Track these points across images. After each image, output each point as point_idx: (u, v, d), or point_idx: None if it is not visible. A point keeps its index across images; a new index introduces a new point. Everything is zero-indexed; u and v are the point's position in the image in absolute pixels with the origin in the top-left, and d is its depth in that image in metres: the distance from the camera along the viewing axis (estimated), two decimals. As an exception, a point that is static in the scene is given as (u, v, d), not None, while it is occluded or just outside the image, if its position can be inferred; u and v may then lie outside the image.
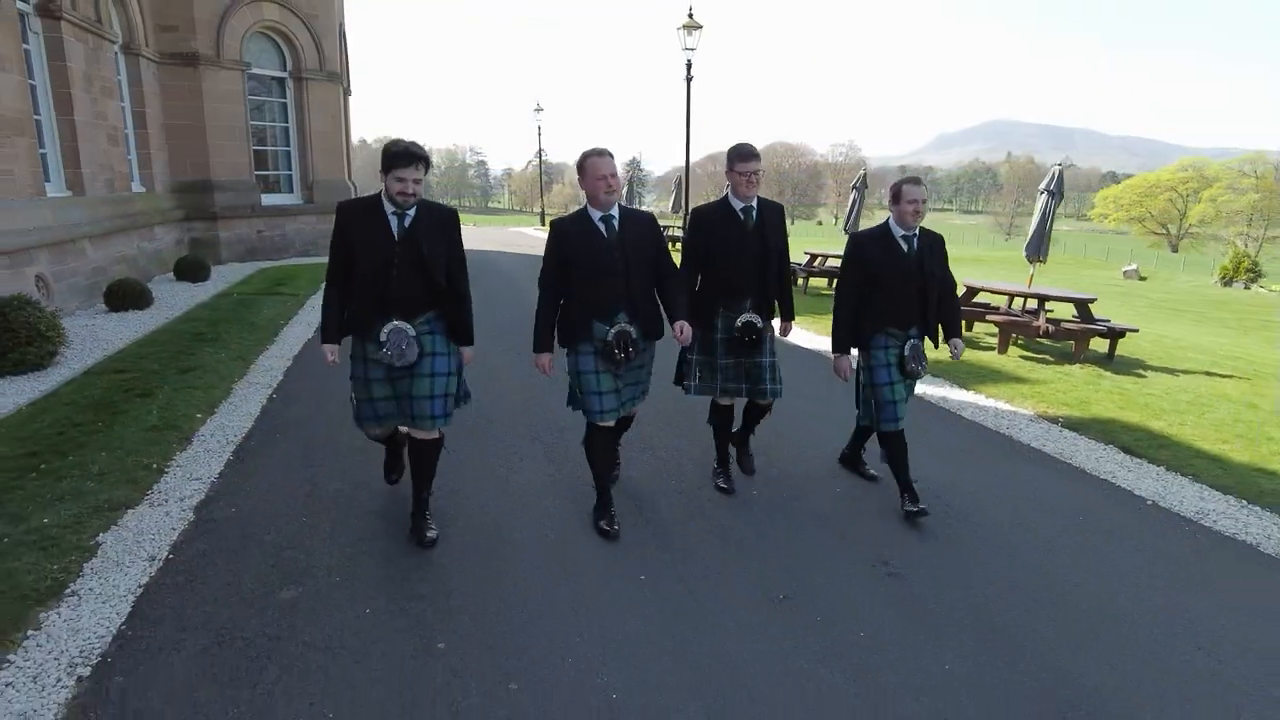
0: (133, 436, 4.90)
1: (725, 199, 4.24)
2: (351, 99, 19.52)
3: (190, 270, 11.93)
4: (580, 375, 3.80)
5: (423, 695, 2.61)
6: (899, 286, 4.12)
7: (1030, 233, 9.36)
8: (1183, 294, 29.22)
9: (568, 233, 3.76)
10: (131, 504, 3.98)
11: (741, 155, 4.10)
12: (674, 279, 3.93)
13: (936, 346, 4.35)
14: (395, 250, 3.39)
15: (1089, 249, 60.06)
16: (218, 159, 14.62)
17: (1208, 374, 8.35)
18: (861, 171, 14.99)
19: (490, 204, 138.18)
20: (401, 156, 3.30)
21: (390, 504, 4.14)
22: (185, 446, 4.85)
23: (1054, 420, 6.09)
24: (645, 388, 4.10)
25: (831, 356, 4.35)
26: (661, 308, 3.90)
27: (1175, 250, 78.46)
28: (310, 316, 9.27)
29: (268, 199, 15.77)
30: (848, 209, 13.77)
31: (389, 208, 3.41)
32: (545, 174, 48.70)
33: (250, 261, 14.89)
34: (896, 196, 4.08)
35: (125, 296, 9.18)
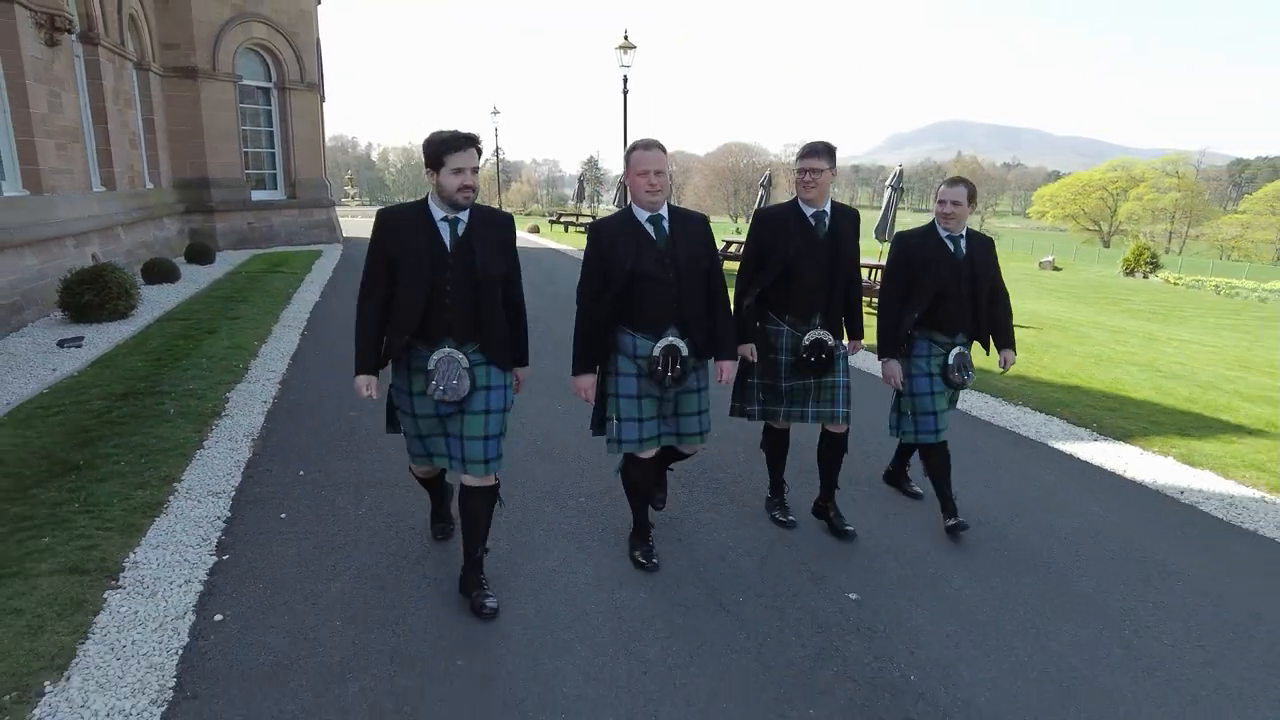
0: (219, 352, 7.24)
1: (794, 202, 3.75)
2: (324, 104, 21.61)
3: (199, 255, 14.07)
4: (619, 399, 3.31)
5: None
6: (947, 290, 3.88)
7: (878, 220, 12.05)
8: (1080, 282, 32.51)
9: (611, 236, 3.27)
10: (237, 381, 6.35)
11: (802, 151, 3.64)
12: (724, 305, 3.49)
13: (988, 353, 4.15)
14: (448, 264, 2.87)
15: (1035, 245, 63.32)
16: (214, 160, 16.71)
17: (1021, 327, 11.06)
18: (898, 167, 13.26)
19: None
20: (454, 141, 2.79)
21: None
22: (255, 358, 7.20)
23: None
24: (706, 421, 3.52)
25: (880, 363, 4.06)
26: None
27: (1107, 245, 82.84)
28: (311, 290, 11.55)
29: (257, 195, 17.90)
30: (881, 208, 12.65)
31: (439, 213, 2.89)
32: (503, 172, 50.70)
33: (243, 249, 16.99)
34: (936, 197, 3.95)
35: (159, 272, 11.37)
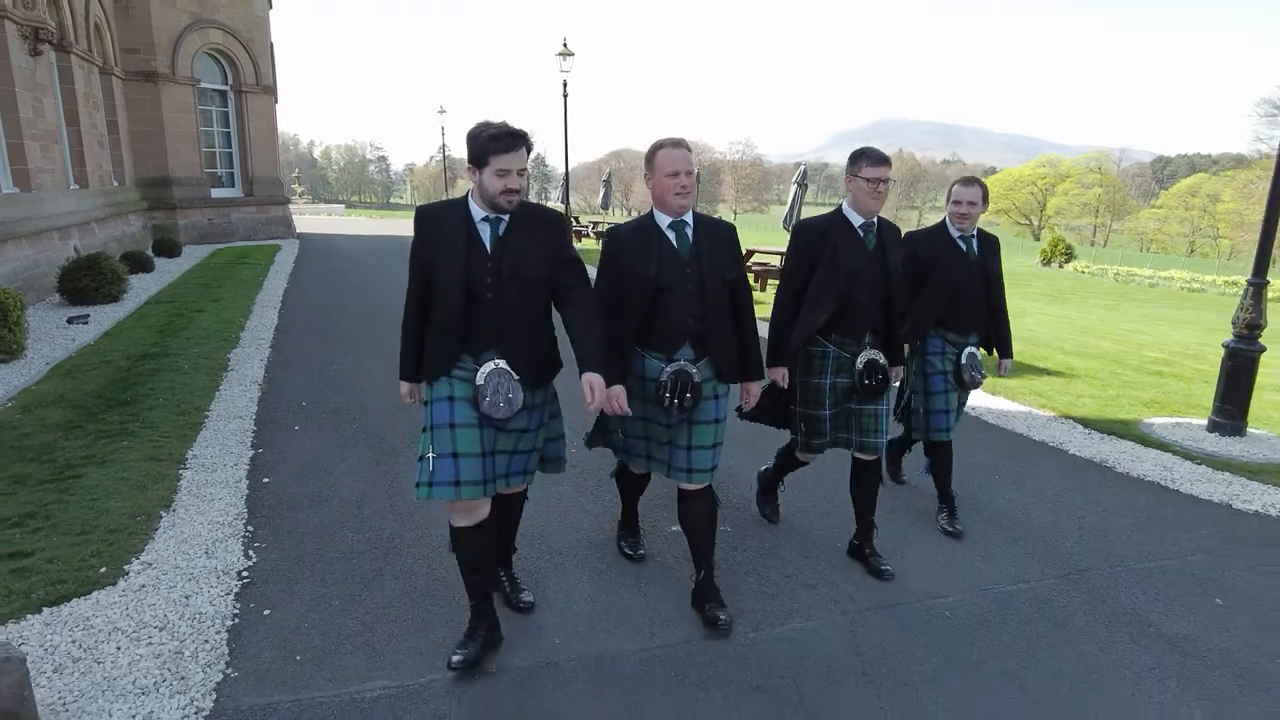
0: (212, 325, 8.44)
1: (840, 212, 3.48)
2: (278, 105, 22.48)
3: (166, 248, 15.01)
4: (622, 419, 3.11)
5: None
6: (960, 290, 3.91)
7: (786, 212, 13.72)
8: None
9: (630, 243, 3.01)
10: (233, 346, 7.58)
11: (871, 159, 3.35)
12: (752, 322, 3.21)
13: (991, 354, 4.19)
14: (488, 268, 2.65)
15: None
16: (175, 159, 17.58)
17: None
18: (802, 167, 16.03)
19: (392, 199, 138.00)
20: (503, 139, 2.55)
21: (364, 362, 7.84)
22: (244, 330, 8.41)
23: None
24: (719, 456, 3.16)
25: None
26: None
27: (1038, 238, 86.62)
28: (278, 278, 12.68)
29: (216, 192, 18.80)
30: (788, 205, 14.74)
31: (479, 212, 2.67)
32: (449, 169, 51.49)
33: (205, 244, 17.87)
34: (949, 197, 3.92)
35: (136, 263, 12.38)
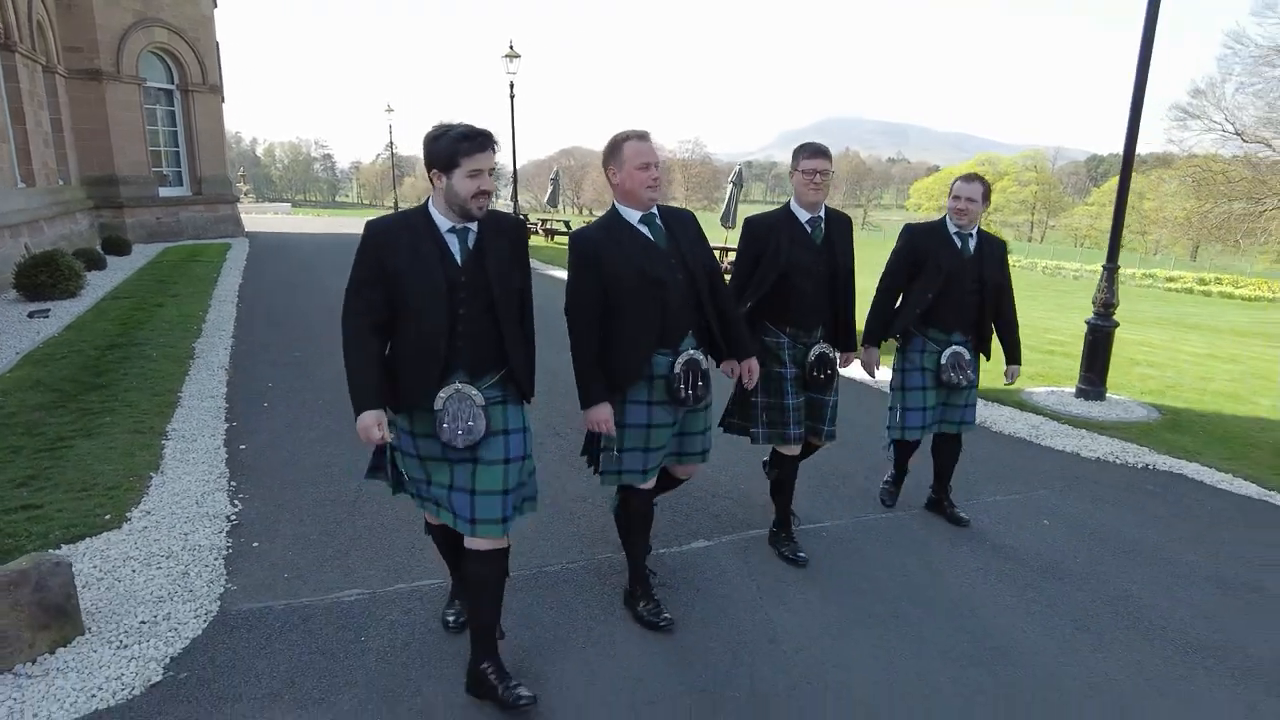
0: (173, 318, 8.83)
1: (787, 208, 3.56)
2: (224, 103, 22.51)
3: (116, 246, 15.14)
4: (627, 429, 2.98)
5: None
6: (948, 287, 3.85)
7: (723, 209, 14.59)
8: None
9: (604, 245, 2.89)
10: (197, 336, 8.01)
11: (809, 151, 3.41)
12: (733, 302, 3.24)
13: (988, 358, 4.10)
14: (460, 282, 2.47)
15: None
16: (121, 158, 17.62)
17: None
18: (738, 167, 17.39)
19: (338, 198, 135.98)
20: (474, 137, 2.39)
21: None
22: (205, 322, 8.81)
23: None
24: (710, 439, 3.24)
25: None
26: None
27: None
28: (232, 275, 12.98)
29: (164, 191, 18.87)
30: (724, 203, 15.94)
31: (444, 222, 2.47)
32: (397, 167, 51.31)
33: (154, 243, 17.94)
34: (951, 192, 3.89)
35: (90, 260, 12.56)
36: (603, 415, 2.87)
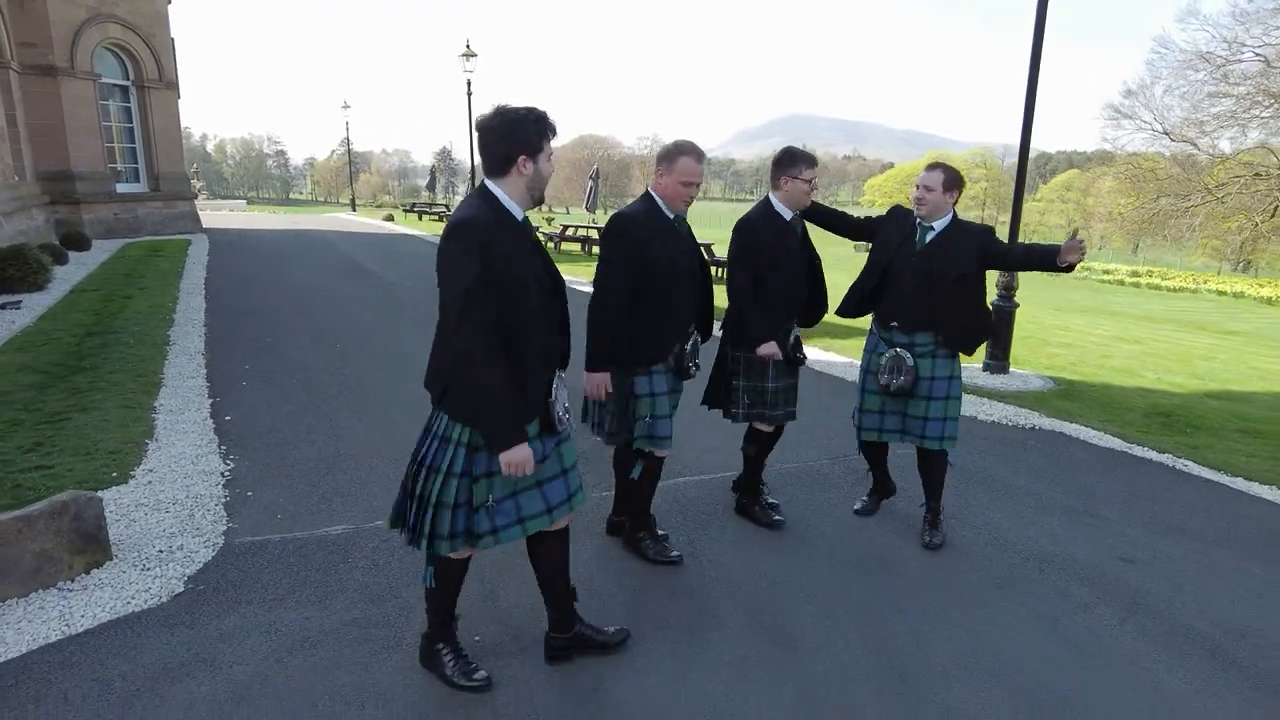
0: (145, 308, 9.19)
1: (769, 205, 3.75)
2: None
3: (76, 242, 15.26)
4: (654, 398, 3.33)
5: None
6: (901, 279, 3.75)
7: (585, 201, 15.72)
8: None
9: (649, 231, 3.23)
10: (170, 325, 8.41)
11: (810, 163, 3.69)
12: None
13: (969, 353, 3.93)
14: (559, 278, 2.58)
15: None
16: (77, 154, 17.65)
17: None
18: (595, 166, 19.84)
19: (292, 194, 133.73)
20: (550, 122, 2.43)
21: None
22: (176, 312, 9.20)
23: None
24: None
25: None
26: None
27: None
28: (196, 270, 13.28)
29: (121, 188, 18.93)
30: (586, 195, 18.59)
31: (518, 213, 2.43)
32: (353, 163, 51.11)
33: (112, 239, 18.01)
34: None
35: (52, 255, 12.74)
36: (601, 379, 3.25)
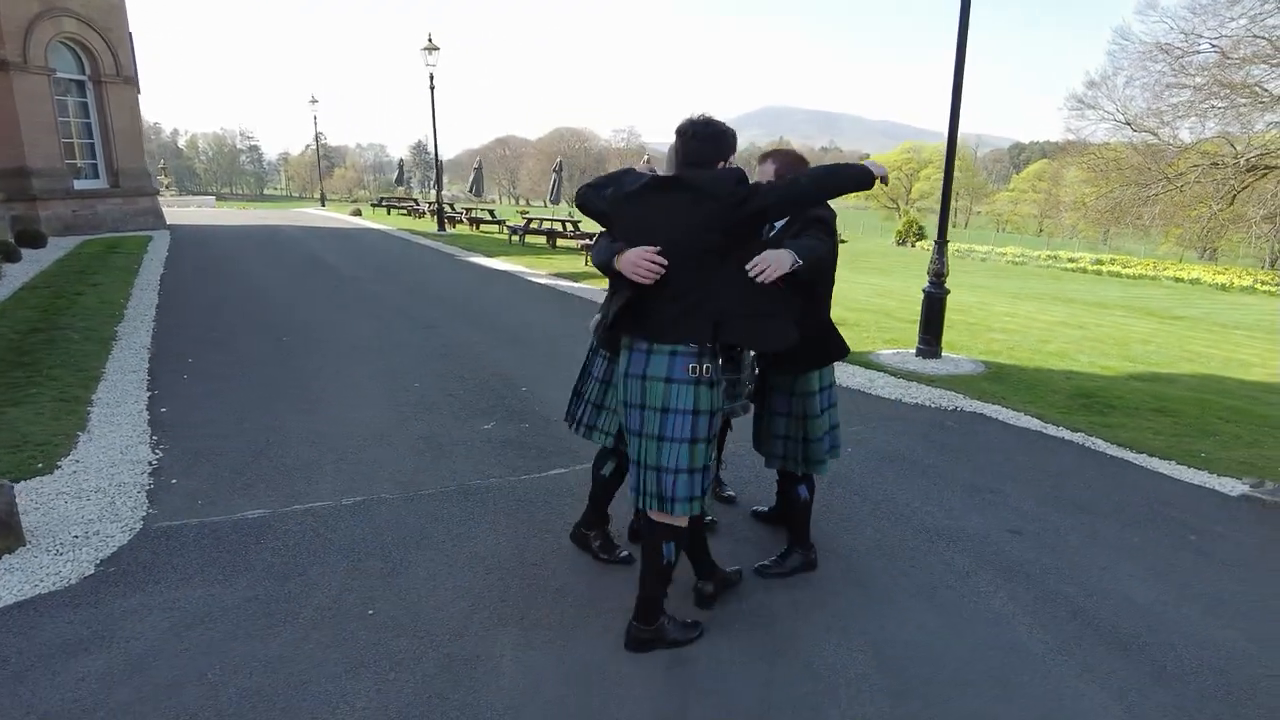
0: (94, 305, 9.19)
1: None
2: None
3: (31, 239, 15.11)
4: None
5: (279, 345, 7.51)
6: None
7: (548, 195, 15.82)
8: (846, 250, 37.96)
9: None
10: (119, 321, 8.43)
11: (802, 162, 3.57)
12: None
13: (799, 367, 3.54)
14: None
15: (844, 223, 70.63)
16: (32, 150, 17.46)
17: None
18: (559, 159, 20.07)
19: (266, 190, 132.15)
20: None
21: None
22: (127, 308, 9.21)
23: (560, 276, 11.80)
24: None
25: None
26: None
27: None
28: (153, 266, 13.22)
29: (79, 184, 18.73)
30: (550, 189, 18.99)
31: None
32: (326, 158, 50.77)
33: (70, 236, 17.84)
34: None
35: (4, 252, 12.66)
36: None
